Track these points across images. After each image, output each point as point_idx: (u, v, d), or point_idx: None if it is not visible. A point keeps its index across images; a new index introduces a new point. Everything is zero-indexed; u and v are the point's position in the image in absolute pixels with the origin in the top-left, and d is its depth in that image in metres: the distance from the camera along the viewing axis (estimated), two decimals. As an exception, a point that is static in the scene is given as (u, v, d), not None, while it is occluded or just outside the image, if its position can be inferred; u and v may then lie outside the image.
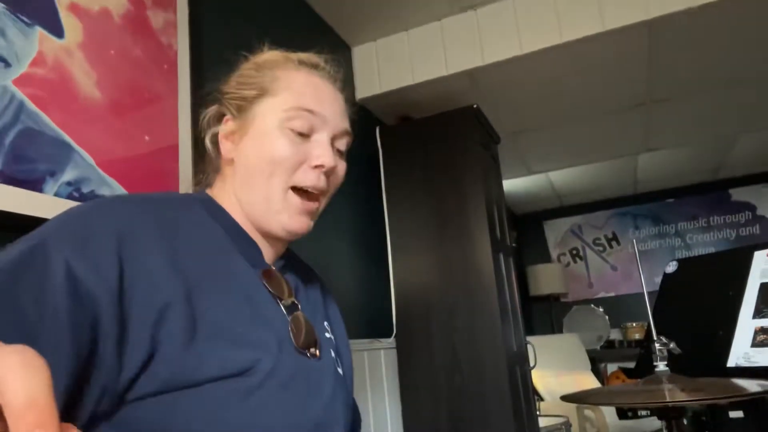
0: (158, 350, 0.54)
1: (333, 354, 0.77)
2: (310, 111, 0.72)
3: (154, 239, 0.59)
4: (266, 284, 0.71)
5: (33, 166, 0.92)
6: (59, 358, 0.47)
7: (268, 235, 0.75)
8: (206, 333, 0.58)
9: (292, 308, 0.73)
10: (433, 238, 2.26)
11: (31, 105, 0.93)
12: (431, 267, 2.24)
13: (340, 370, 0.77)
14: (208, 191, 0.77)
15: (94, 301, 0.51)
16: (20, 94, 0.91)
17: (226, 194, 0.75)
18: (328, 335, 0.79)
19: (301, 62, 0.77)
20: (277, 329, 0.67)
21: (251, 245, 0.73)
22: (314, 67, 0.78)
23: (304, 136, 0.72)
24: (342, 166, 0.77)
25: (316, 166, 0.72)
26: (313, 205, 0.74)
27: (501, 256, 2.28)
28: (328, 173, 0.73)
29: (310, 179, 0.72)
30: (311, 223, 0.75)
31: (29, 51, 0.94)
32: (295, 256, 0.86)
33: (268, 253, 0.76)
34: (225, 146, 0.75)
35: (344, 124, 0.77)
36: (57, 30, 1.00)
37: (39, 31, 0.96)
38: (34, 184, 0.91)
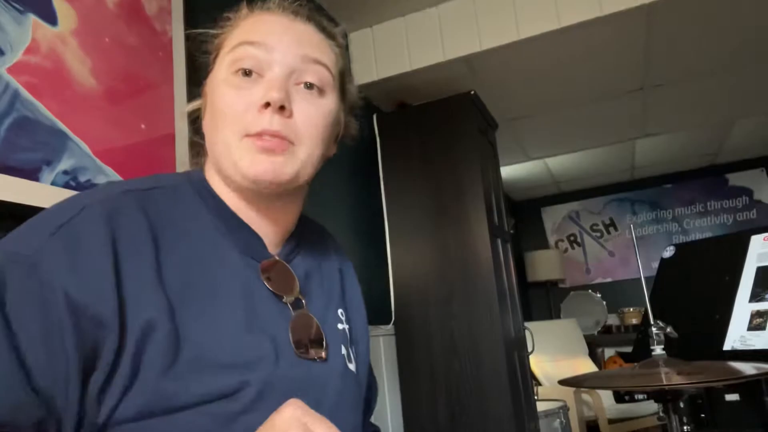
0: (138, 375, 0.51)
1: (344, 350, 0.70)
2: (250, 42, 0.63)
3: (144, 245, 0.55)
4: (265, 280, 0.64)
5: (29, 155, 0.92)
6: (73, 389, 0.48)
7: (258, 202, 0.65)
8: (189, 356, 0.53)
9: (296, 304, 0.66)
10: (431, 225, 2.26)
11: (25, 93, 0.92)
12: (429, 253, 2.25)
13: (351, 367, 0.70)
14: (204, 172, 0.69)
15: (99, 326, 0.49)
16: (15, 82, 0.90)
17: (211, 171, 0.67)
18: (341, 326, 0.72)
19: (250, 7, 0.68)
20: (275, 335, 0.61)
21: (249, 234, 0.65)
22: (264, 7, 0.68)
23: (255, 77, 0.62)
24: (312, 104, 0.64)
25: (263, 106, 0.60)
26: (276, 143, 0.60)
27: (499, 242, 2.28)
28: (286, 114, 0.61)
29: (260, 123, 0.60)
30: (289, 167, 0.61)
31: (23, 39, 0.93)
32: (309, 227, 0.76)
33: (272, 236, 0.68)
34: (203, 122, 0.69)
35: (305, 50, 0.64)
36: (50, 17, 0.99)
37: (32, 18, 0.95)
38: (30, 173, 0.91)
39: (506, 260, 2.34)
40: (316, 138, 0.64)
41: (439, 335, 2.17)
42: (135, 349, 0.50)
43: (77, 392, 0.48)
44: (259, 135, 0.60)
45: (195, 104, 0.71)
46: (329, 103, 0.66)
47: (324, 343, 0.66)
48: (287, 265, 0.68)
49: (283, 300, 0.65)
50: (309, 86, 0.63)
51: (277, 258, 0.68)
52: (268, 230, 0.67)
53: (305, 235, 0.74)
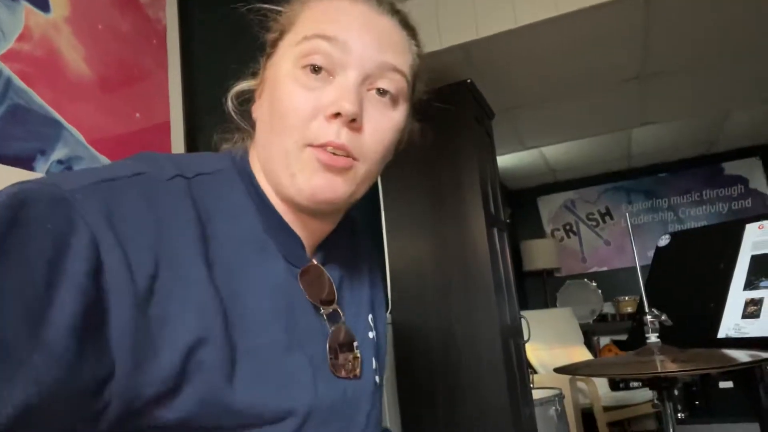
0: (188, 382, 0.46)
1: (374, 363, 0.66)
2: (325, 37, 0.55)
3: (194, 241, 0.49)
4: (304, 289, 0.59)
5: (23, 144, 0.91)
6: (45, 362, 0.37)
7: (303, 213, 0.59)
8: (244, 372, 0.49)
9: (333, 317, 0.62)
10: (428, 215, 2.26)
11: (18, 81, 0.91)
12: (426, 243, 2.25)
13: (377, 379, 0.67)
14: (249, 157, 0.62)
15: (109, 297, 0.42)
16: (7, 70, 0.90)
17: (255, 161, 0.61)
18: (371, 335, 0.68)
19: None
20: (312, 354, 0.57)
21: (291, 238, 0.60)
22: None
23: (324, 75, 0.55)
24: (384, 116, 0.57)
25: (332, 116, 0.53)
26: (340, 161, 0.54)
27: (495, 232, 2.29)
28: (356, 126, 0.55)
29: (326, 134, 0.53)
30: (346, 187, 0.56)
31: (15, 26, 0.92)
32: (342, 225, 0.68)
33: (309, 239, 0.62)
34: (254, 106, 0.63)
35: (384, 55, 0.57)
36: (43, 4, 0.98)
37: (25, 5, 0.94)
38: (24, 162, 0.91)
39: (502, 249, 2.34)
40: (381, 155, 0.59)
41: (436, 324, 2.17)
42: (182, 357, 0.45)
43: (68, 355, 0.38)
44: (322, 147, 0.54)
45: (247, 85, 0.65)
46: (400, 114, 0.60)
47: (357, 356, 0.63)
48: (325, 271, 0.63)
49: (320, 311, 0.61)
50: (382, 92, 0.57)
51: (315, 262, 0.63)
52: (306, 234, 0.62)
53: (339, 234, 0.68)
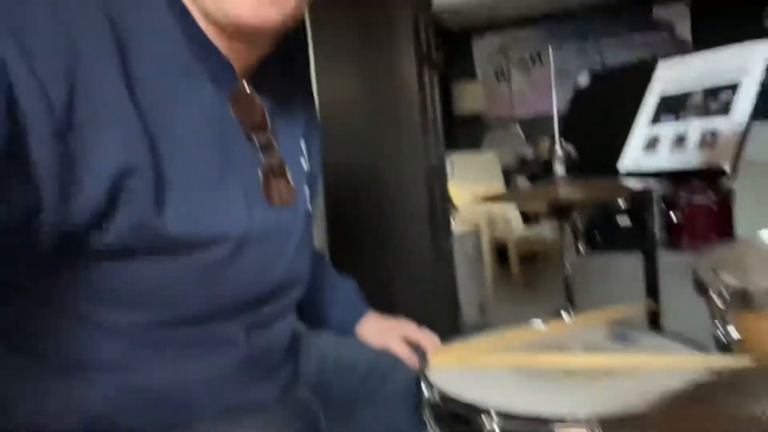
0: (117, 210, 0.45)
1: (307, 190, 0.67)
2: None
3: (111, 58, 0.45)
4: (237, 116, 0.57)
5: None
6: None
7: (231, 37, 0.55)
8: (175, 199, 0.48)
9: (266, 145, 0.60)
10: (358, 52, 2.19)
11: None
12: (356, 83, 2.20)
13: (309, 207, 0.68)
14: None
15: (25, 127, 0.39)
16: None
17: None
18: (304, 162, 0.68)
19: None
20: (246, 181, 0.57)
21: (219, 61, 0.55)
22: None
23: None
24: None
25: None
26: None
27: (426, 71, 2.25)
28: None
29: None
30: (276, 12, 0.51)
31: None
32: (278, 55, 0.64)
33: (240, 63, 0.58)
34: None
35: None
36: None
37: None
38: None
39: (432, 90, 2.33)
40: None
41: (364, 161, 2.21)
42: (107, 185, 0.44)
43: None
44: None
45: None
46: None
47: (290, 183, 0.63)
48: (257, 97, 0.61)
49: (253, 139, 0.59)
50: None
51: (249, 91, 0.59)
52: (235, 59, 0.57)
53: (273, 63, 0.63)
